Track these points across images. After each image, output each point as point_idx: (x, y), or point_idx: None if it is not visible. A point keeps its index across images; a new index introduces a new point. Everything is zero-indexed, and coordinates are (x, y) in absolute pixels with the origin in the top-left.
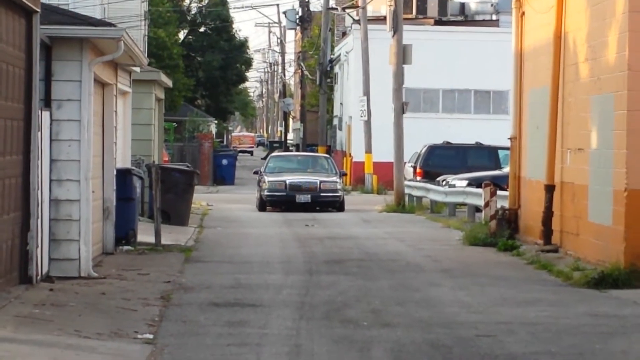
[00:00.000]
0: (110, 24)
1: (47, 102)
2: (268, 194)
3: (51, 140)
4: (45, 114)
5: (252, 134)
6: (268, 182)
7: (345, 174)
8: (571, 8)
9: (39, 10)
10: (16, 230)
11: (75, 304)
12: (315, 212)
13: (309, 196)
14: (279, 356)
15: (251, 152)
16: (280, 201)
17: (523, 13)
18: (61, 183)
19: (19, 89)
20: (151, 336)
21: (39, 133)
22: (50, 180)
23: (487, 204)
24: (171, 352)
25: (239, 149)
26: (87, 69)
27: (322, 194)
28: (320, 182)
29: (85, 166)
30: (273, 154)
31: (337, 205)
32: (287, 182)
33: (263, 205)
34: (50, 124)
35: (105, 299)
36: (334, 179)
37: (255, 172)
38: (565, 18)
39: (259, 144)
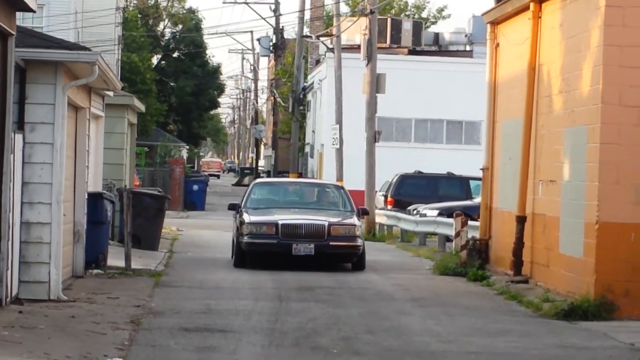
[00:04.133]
0: (85, 48)
1: (20, 125)
2: (249, 240)
3: (23, 162)
4: (18, 137)
5: (220, 160)
6: (250, 223)
7: (367, 213)
8: (546, 40)
9: (14, 33)
10: None
11: (44, 326)
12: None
13: (312, 246)
14: None
15: (218, 176)
16: (268, 252)
17: (497, 44)
18: (33, 206)
19: None
20: None
21: (12, 155)
22: (22, 203)
23: (458, 234)
24: None
25: (207, 173)
26: (61, 93)
27: (332, 243)
28: (330, 224)
29: (57, 189)
30: (257, 180)
31: (354, 259)
32: (280, 223)
33: (242, 257)
34: (23, 147)
35: (75, 322)
36: (351, 220)
37: (232, 207)
38: (539, 50)
39: (230, 169)
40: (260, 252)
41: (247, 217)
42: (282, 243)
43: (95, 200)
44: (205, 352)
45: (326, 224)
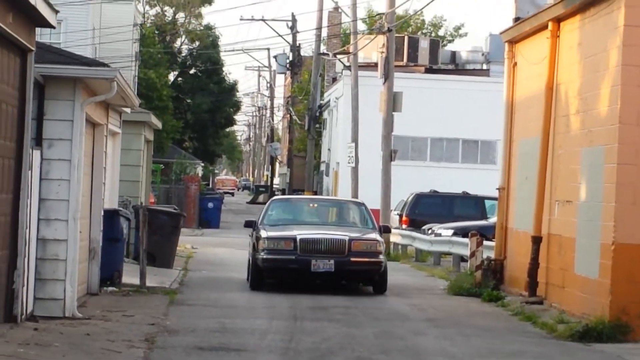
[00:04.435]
0: (104, 64)
1: (38, 141)
2: (266, 257)
3: (41, 179)
4: (36, 153)
5: (234, 178)
6: (267, 238)
7: (389, 230)
8: (564, 60)
9: (34, 49)
10: (3, 269)
11: (59, 344)
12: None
13: (332, 262)
14: None
15: (232, 194)
16: (286, 269)
17: (515, 63)
18: (49, 222)
19: (12, 127)
20: None
21: (30, 172)
22: (39, 219)
23: (473, 254)
24: None
25: (221, 191)
26: (79, 109)
27: (352, 259)
28: (351, 239)
29: (74, 206)
30: (275, 197)
31: (376, 277)
32: (298, 238)
33: (258, 276)
34: (41, 163)
35: (90, 340)
36: (372, 235)
37: (248, 225)
38: (557, 69)
39: (245, 187)
40: (277, 269)
41: (264, 233)
42: (300, 259)
43: (111, 217)
44: None
45: (347, 239)
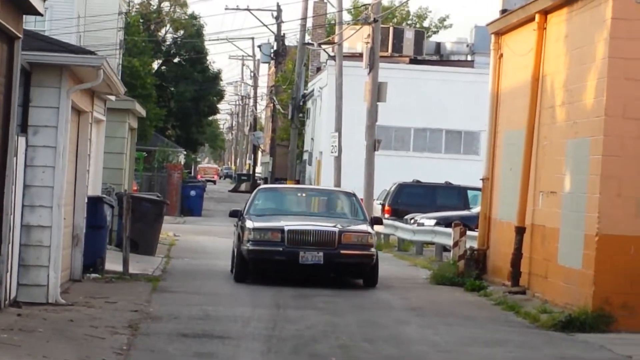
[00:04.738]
0: (91, 52)
1: (23, 128)
2: (253, 247)
3: (26, 165)
4: (21, 140)
5: (216, 166)
6: (253, 229)
7: (381, 222)
8: (550, 52)
9: (21, 36)
10: None
11: (43, 330)
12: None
13: (321, 254)
14: None
15: (214, 182)
16: (273, 262)
17: (501, 55)
18: (34, 209)
19: None
20: None
21: (15, 158)
22: (23, 206)
23: (456, 244)
24: None
25: (203, 179)
26: (65, 96)
27: (342, 252)
28: (341, 231)
29: (59, 193)
30: (262, 186)
31: (366, 270)
32: (286, 229)
33: (243, 268)
34: (26, 150)
35: (73, 326)
36: (363, 227)
37: (233, 214)
38: (543, 61)
39: (227, 176)
40: (263, 260)
41: (250, 223)
42: (288, 251)
43: (95, 204)
44: (204, 358)
45: (337, 230)
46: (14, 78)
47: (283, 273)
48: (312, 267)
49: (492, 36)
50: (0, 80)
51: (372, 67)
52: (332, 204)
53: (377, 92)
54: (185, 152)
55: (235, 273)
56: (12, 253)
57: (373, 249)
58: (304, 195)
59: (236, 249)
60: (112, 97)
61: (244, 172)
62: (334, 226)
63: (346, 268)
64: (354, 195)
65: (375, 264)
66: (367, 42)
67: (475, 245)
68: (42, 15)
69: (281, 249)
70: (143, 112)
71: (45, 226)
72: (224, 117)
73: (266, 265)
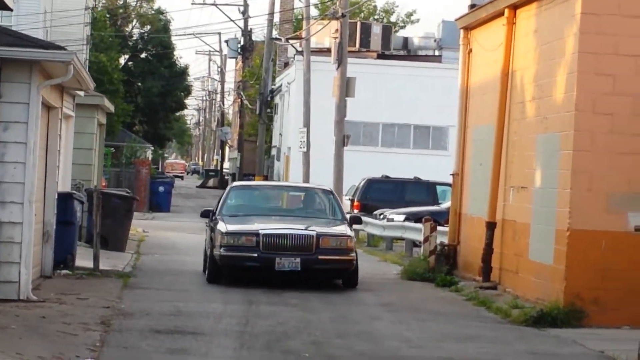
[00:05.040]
0: (61, 47)
1: None
2: (225, 253)
3: None
4: None
5: (184, 162)
6: (226, 233)
7: (360, 221)
8: (520, 47)
9: None
10: None
11: (15, 326)
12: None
13: (299, 260)
14: None
15: (182, 177)
16: (247, 268)
17: (470, 50)
18: (4, 205)
19: None
20: None
21: None
22: None
23: (426, 239)
24: None
25: (171, 175)
26: (35, 92)
27: (321, 257)
28: (319, 235)
29: (30, 189)
30: (234, 183)
31: (346, 275)
32: (261, 233)
33: (216, 272)
34: None
35: (46, 323)
36: (341, 228)
37: (205, 215)
38: (513, 56)
39: (194, 171)
40: (237, 267)
41: (222, 226)
42: (263, 257)
43: (65, 200)
44: (177, 354)
45: (314, 234)
46: None
47: (258, 279)
48: (288, 274)
49: (461, 31)
50: None
51: (340, 62)
52: (309, 203)
53: (346, 88)
54: (152, 148)
55: (208, 275)
56: None
57: (353, 254)
58: (279, 193)
59: (209, 250)
60: (81, 93)
61: (212, 167)
62: (312, 230)
63: (325, 274)
64: (332, 192)
65: (355, 269)
66: (335, 37)
67: (445, 240)
68: (11, 10)
69: (256, 254)
70: (112, 108)
71: (16, 222)
72: (190, 112)
73: (240, 271)
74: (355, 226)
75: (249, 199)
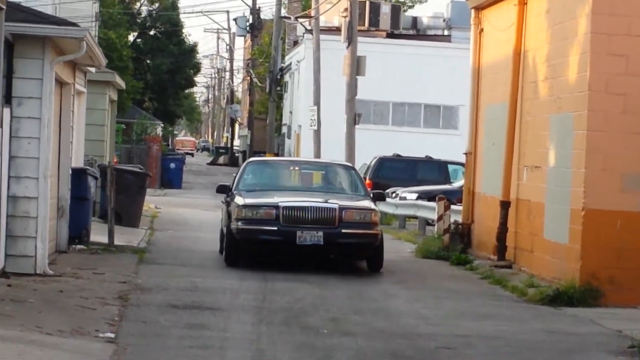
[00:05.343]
0: (73, 24)
1: (7, 99)
2: (243, 226)
3: (11, 137)
4: (6, 111)
5: (194, 139)
6: (244, 206)
7: (384, 198)
8: (532, 26)
9: (4, 7)
10: None
11: (34, 300)
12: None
13: (321, 234)
14: None
15: (192, 154)
16: (267, 242)
17: (482, 30)
18: (20, 180)
19: None
20: (112, 335)
21: (0, 129)
22: (9, 177)
23: (440, 218)
24: (134, 352)
25: (181, 151)
26: (48, 68)
27: (344, 231)
28: (342, 208)
29: (44, 164)
30: (251, 159)
31: (370, 252)
32: (281, 206)
33: (234, 250)
34: (11, 121)
35: (64, 297)
36: (366, 203)
37: (221, 190)
38: (525, 36)
39: (204, 149)
40: (256, 241)
41: (240, 200)
42: (283, 230)
43: (79, 176)
44: (196, 329)
45: (337, 207)
46: None
47: (278, 255)
48: (310, 248)
49: (472, 11)
50: None
51: (350, 41)
52: (329, 179)
53: (357, 66)
54: (162, 125)
55: (225, 255)
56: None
57: (378, 228)
58: (297, 168)
59: (225, 228)
60: (93, 70)
61: (222, 145)
62: (334, 202)
63: (348, 248)
64: (353, 168)
65: (380, 245)
66: (345, 16)
67: (459, 219)
68: None
69: (276, 228)
70: (123, 84)
71: (31, 197)
72: (200, 90)
73: (259, 246)
74: None
75: (266, 174)
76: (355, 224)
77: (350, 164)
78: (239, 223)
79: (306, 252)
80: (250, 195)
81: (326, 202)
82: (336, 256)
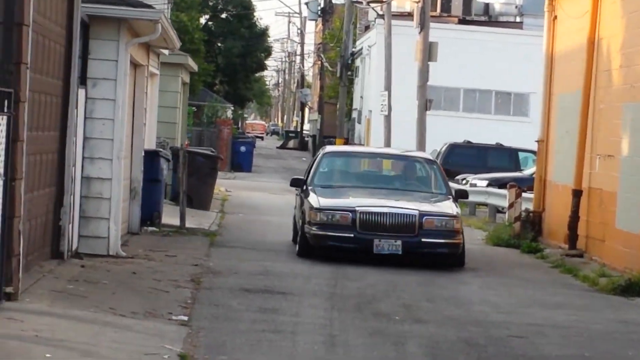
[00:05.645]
0: (149, 6)
1: (82, 80)
2: (318, 232)
3: (85, 118)
4: (81, 92)
5: (264, 122)
6: (319, 210)
7: (466, 196)
8: (606, 14)
9: None
10: (50, 206)
11: (107, 281)
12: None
13: (399, 243)
14: (314, 345)
15: (262, 138)
16: (343, 250)
17: (555, 17)
18: (93, 161)
19: (59, 65)
20: (185, 318)
21: (75, 110)
22: (83, 158)
23: (511, 205)
24: (207, 336)
25: (251, 135)
26: (123, 49)
27: (424, 240)
28: (422, 214)
29: (118, 145)
30: (327, 149)
31: (452, 260)
32: (358, 211)
33: (307, 250)
34: (85, 102)
35: (137, 279)
36: (447, 205)
37: (295, 184)
38: (599, 24)
39: (274, 132)
40: (331, 248)
41: (315, 201)
42: (360, 238)
43: (151, 158)
44: (268, 313)
45: (416, 214)
46: (75, 30)
47: (352, 259)
48: (388, 257)
49: None
50: (61, 32)
51: (422, 26)
52: (410, 173)
53: (429, 52)
54: (232, 108)
55: (299, 249)
56: (73, 204)
57: (460, 236)
58: (376, 161)
59: (299, 222)
60: (166, 52)
61: (292, 129)
62: (414, 208)
63: (428, 259)
64: (436, 162)
65: (462, 253)
66: (417, 2)
67: (530, 207)
68: None
69: (352, 235)
70: (195, 67)
71: (105, 178)
72: (270, 73)
73: (334, 252)
74: None
75: (343, 167)
76: (437, 232)
77: (432, 158)
78: (313, 228)
79: (383, 260)
80: (325, 194)
81: (406, 207)
82: (415, 263)
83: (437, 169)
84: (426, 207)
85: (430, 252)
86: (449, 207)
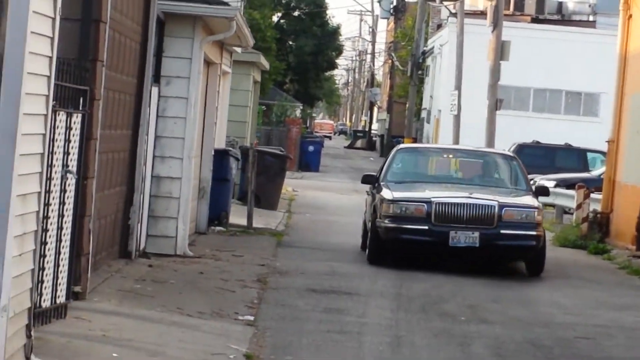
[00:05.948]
0: (224, 3)
1: (155, 78)
2: (391, 225)
3: (157, 116)
4: (154, 90)
5: (332, 122)
6: (392, 201)
7: (547, 192)
8: None
9: None
10: (120, 205)
11: (175, 281)
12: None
13: (477, 235)
14: (380, 346)
15: (330, 137)
16: (417, 243)
17: (630, 16)
18: (164, 160)
19: (134, 63)
20: (251, 318)
21: (148, 108)
22: (154, 157)
23: (579, 206)
24: (273, 336)
25: (320, 134)
26: (197, 47)
27: (503, 232)
28: (502, 206)
29: (189, 144)
30: (400, 146)
31: (532, 254)
32: (433, 202)
33: (379, 248)
34: (158, 100)
35: (204, 279)
36: (527, 199)
37: (366, 180)
38: None
39: (342, 132)
40: (405, 242)
41: (387, 193)
42: (435, 230)
43: (221, 157)
44: (334, 313)
45: (496, 204)
46: (150, 27)
47: (428, 256)
48: (464, 251)
49: None
50: (136, 29)
51: (495, 25)
52: (488, 170)
53: (501, 51)
54: (301, 107)
55: (369, 253)
56: (142, 204)
57: (541, 229)
58: (452, 157)
59: (370, 223)
60: (238, 50)
61: (360, 128)
62: (493, 199)
63: (507, 252)
64: (516, 159)
65: (543, 247)
66: (491, 0)
67: (598, 208)
68: None
69: (427, 227)
70: (267, 66)
71: (175, 177)
72: (339, 72)
73: (407, 246)
74: None
75: (417, 164)
76: (517, 224)
77: (512, 154)
78: (386, 221)
79: (459, 254)
80: (398, 188)
81: (484, 198)
82: (493, 258)
83: (517, 165)
84: (506, 199)
85: (509, 244)
86: (529, 200)
